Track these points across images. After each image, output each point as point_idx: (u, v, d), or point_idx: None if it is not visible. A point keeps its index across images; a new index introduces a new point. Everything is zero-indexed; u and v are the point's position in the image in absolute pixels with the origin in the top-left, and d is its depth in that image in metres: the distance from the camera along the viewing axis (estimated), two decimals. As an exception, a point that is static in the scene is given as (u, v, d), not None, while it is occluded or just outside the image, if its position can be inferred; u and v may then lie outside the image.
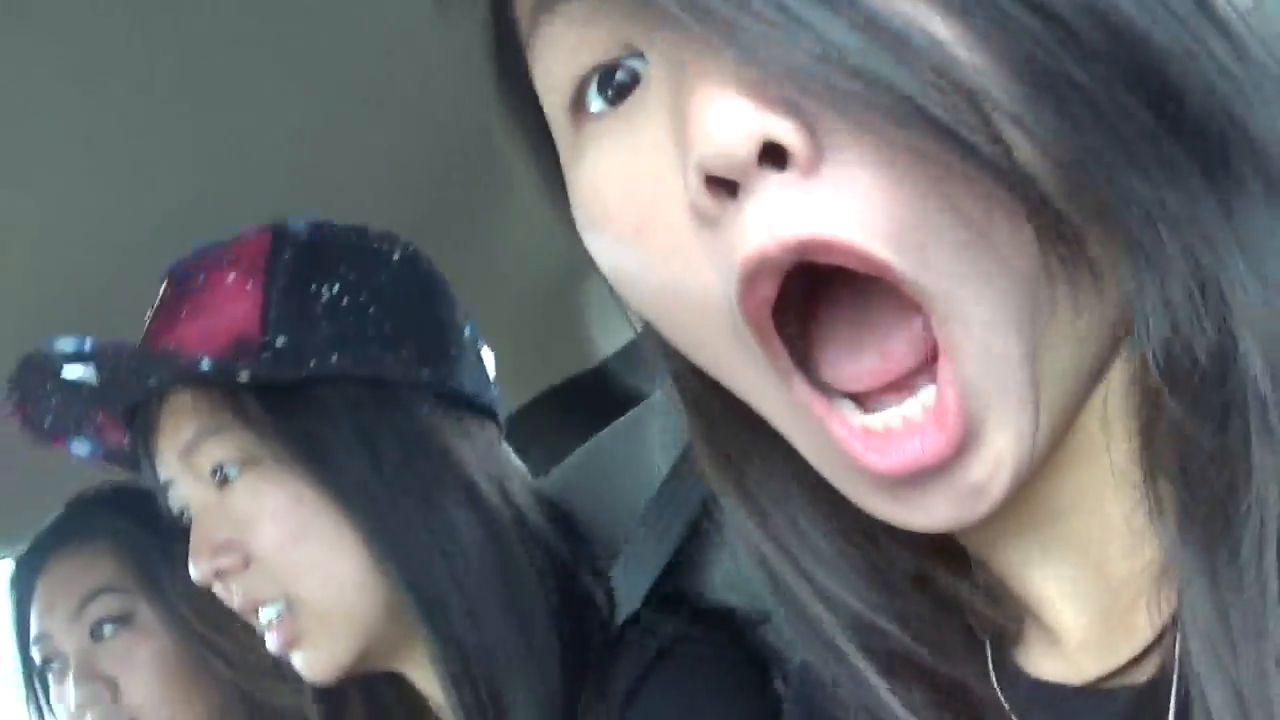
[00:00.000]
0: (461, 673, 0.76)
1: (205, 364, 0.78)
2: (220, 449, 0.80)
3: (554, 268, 1.33)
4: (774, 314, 0.41)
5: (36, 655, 1.17)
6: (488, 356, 0.88)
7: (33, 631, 1.17)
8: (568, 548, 0.82)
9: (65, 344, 0.79)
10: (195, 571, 0.81)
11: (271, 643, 0.81)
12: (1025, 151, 0.37)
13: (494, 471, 0.82)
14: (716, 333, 0.42)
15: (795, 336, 0.42)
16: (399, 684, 0.88)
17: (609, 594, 0.80)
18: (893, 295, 0.40)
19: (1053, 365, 0.40)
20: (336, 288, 0.81)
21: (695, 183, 0.38)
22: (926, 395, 0.40)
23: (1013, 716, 0.49)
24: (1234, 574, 0.37)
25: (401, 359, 0.81)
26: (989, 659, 0.51)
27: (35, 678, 1.18)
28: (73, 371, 0.79)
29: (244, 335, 0.80)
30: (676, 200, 0.40)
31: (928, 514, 0.42)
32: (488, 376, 0.87)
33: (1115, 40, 0.37)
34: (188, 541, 1.16)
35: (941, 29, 0.37)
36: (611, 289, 0.47)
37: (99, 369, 0.79)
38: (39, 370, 0.81)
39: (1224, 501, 0.38)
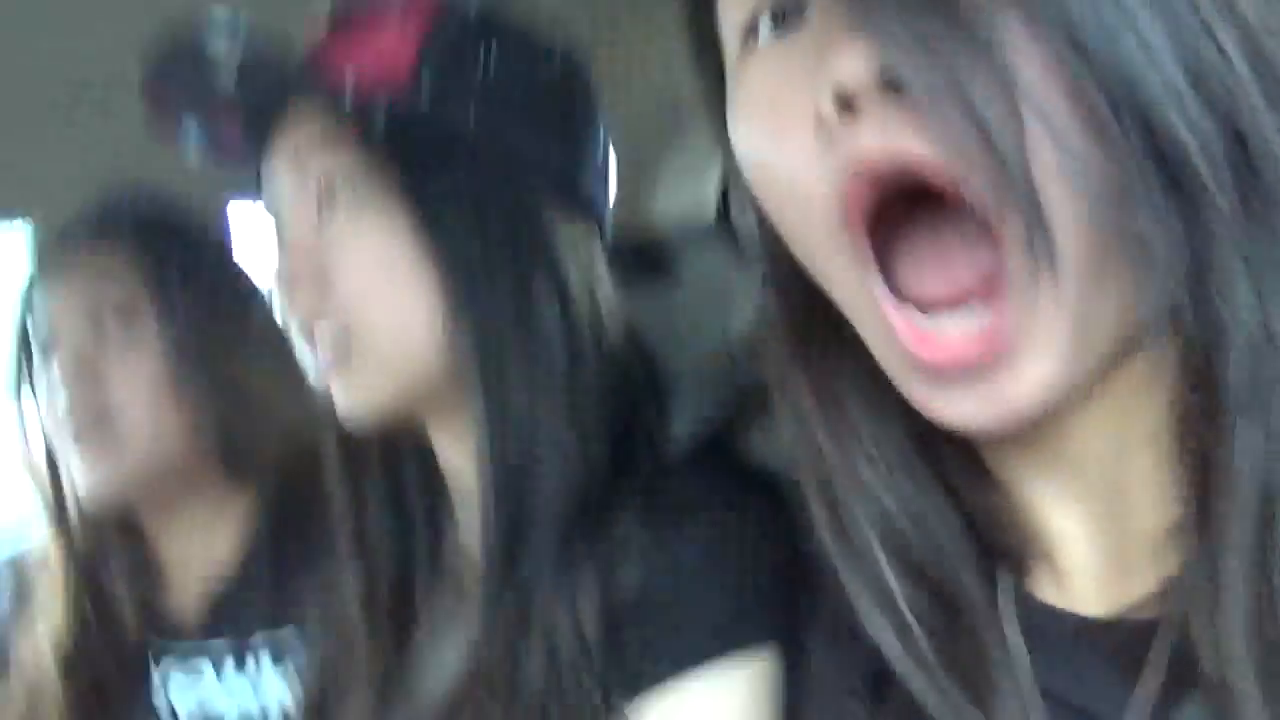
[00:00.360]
0: (500, 447, 0.76)
1: (347, 89, 0.78)
2: (334, 157, 0.79)
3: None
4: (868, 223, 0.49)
5: (33, 332, 1.16)
6: (612, 167, 0.88)
7: (35, 308, 1.16)
8: (641, 371, 0.83)
9: (218, 22, 0.77)
10: (275, 269, 0.81)
11: (320, 361, 0.80)
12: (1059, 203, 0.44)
13: (588, 279, 0.83)
14: (820, 226, 0.51)
15: (879, 248, 0.50)
16: (423, 463, 0.89)
17: (667, 426, 0.82)
18: (963, 226, 0.48)
19: (1100, 314, 0.47)
20: (492, 58, 0.81)
21: (826, 98, 0.47)
22: (981, 312, 0.48)
23: (1013, 633, 0.54)
24: (1225, 540, 0.45)
25: (532, 141, 0.81)
26: (1000, 580, 0.56)
27: (24, 351, 1.16)
28: (215, 57, 0.78)
29: (390, 78, 0.79)
30: (808, 113, 0.49)
31: (958, 410, 0.49)
32: (607, 189, 0.88)
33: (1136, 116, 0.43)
34: (203, 264, 1.16)
35: (1020, 59, 0.43)
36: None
37: (240, 77, 0.78)
38: (184, 46, 0.79)
39: (1217, 471, 0.46)
